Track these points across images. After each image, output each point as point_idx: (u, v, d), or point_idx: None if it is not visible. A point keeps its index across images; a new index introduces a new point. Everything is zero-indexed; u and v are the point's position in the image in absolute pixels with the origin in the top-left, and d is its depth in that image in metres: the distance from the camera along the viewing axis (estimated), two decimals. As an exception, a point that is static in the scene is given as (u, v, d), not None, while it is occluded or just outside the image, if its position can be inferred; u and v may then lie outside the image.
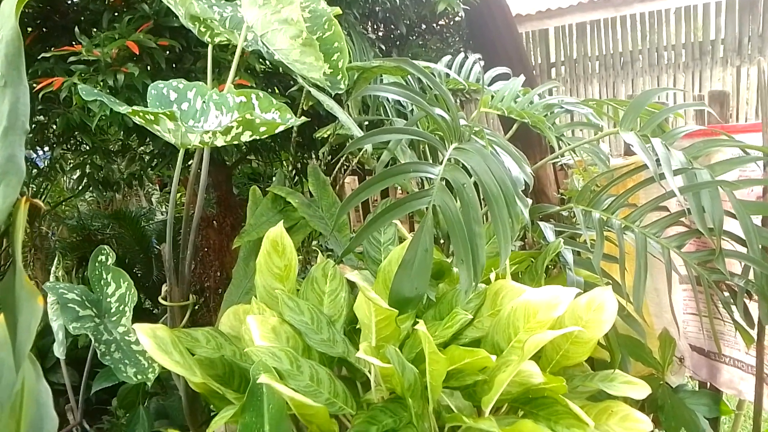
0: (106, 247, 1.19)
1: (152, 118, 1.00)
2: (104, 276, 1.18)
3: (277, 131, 1.04)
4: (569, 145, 1.83)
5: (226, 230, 2.55)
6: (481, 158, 1.22)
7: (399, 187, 2.71)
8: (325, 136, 1.62)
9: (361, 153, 1.83)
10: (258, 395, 0.89)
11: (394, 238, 1.48)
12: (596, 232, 1.49)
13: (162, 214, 3.39)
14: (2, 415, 0.47)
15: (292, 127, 1.82)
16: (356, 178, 3.53)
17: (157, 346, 0.96)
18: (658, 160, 1.44)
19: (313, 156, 2.44)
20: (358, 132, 1.20)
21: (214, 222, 2.62)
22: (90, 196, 3.30)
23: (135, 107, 1.00)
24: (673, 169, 1.43)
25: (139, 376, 1.06)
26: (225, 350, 1.11)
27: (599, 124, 1.80)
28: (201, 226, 2.54)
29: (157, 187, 3.82)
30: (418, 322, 1.00)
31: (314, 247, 2.05)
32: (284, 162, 2.73)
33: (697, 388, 1.89)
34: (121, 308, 1.13)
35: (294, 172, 2.31)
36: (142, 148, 2.50)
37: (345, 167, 2.09)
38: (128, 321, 1.11)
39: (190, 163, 1.42)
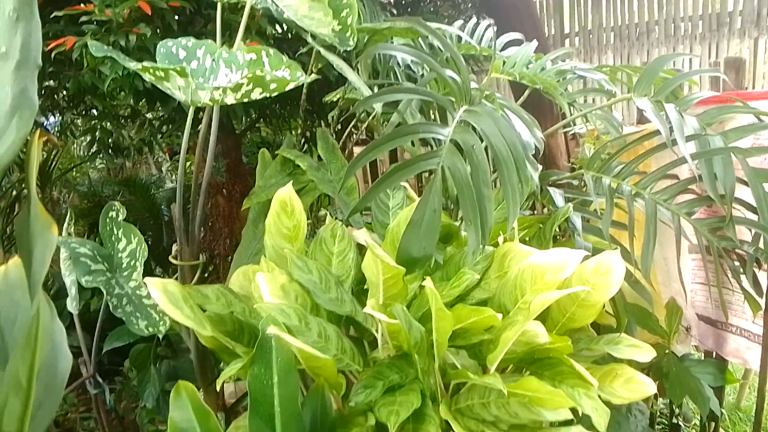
0: (116, 203, 1.20)
1: (162, 74, 1.00)
2: (115, 232, 1.19)
3: (287, 89, 1.04)
4: (581, 111, 1.81)
5: (235, 197, 2.56)
6: (492, 121, 1.21)
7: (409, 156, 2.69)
8: (335, 99, 1.62)
9: (370, 118, 1.82)
10: (267, 348, 0.91)
11: (402, 203, 1.48)
12: (606, 198, 1.49)
13: (172, 182, 3.41)
14: (18, 352, 0.48)
15: (302, 93, 1.82)
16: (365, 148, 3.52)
17: (168, 300, 0.97)
18: (671, 127, 1.43)
19: (322, 124, 2.43)
20: (367, 92, 1.19)
21: (224, 190, 2.63)
22: (100, 163, 3.32)
23: (145, 63, 0.99)
24: (685, 135, 1.42)
25: (151, 329, 1.08)
26: (235, 307, 1.12)
27: (612, 91, 1.77)
28: (210, 194, 2.55)
29: (167, 156, 3.84)
30: (426, 277, 1.01)
31: (323, 215, 2.06)
32: (293, 131, 2.73)
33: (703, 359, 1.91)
34: (132, 263, 1.15)
35: (303, 140, 2.31)
36: (151, 114, 2.50)
37: (353, 134, 2.08)
38: (139, 276, 1.12)
39: (199, 128, 1.42)
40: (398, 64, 1.79)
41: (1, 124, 0.43)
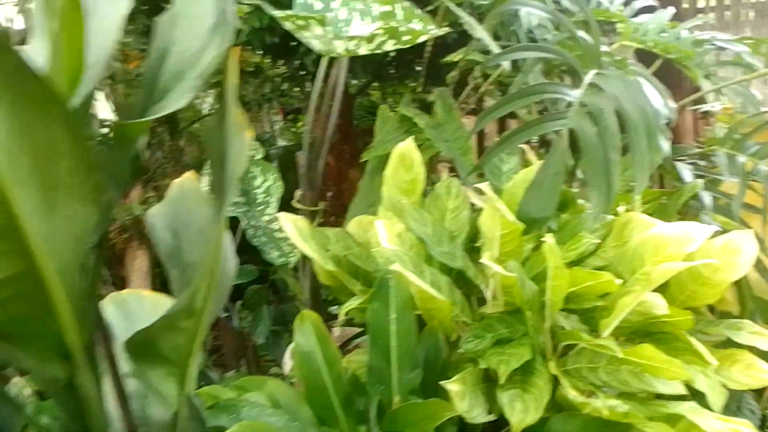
0: (255, 143, 1.29)
1: (303, 23, 1.05)
2: (252, 170, 1.29)
3: (419, 41, 1.06)
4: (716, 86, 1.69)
5: (344, 158, 2.64)
6: (623, 85, 1.17)
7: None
8: (455, 60, 1.62)
9: (486, 83, 1.80)
10: (385, 288, 0.95)
11: (516, 168, 1.47)
12: (739, 176, 1.40)
13: (284, 142, 3.56)
14: (210, 244, 0.53)
15: (422, 54, 1.83)
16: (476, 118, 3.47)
17: (298, 233, 1.05)
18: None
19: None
20: (496, 50, 1.19)
21: (335, 150, 2.71)
22: (221, 118, 3.53)
23: (288, 12, 1.05)
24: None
25: (282, 259, 1.16)
26: (353, 250, 1.18)
27: (755, 65, 1.64)
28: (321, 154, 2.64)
29: (280, 117, 4.00)
30: (541, 239, 1.01)
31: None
32: (407, 93, 2.75)
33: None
34: (266, 199, 1.24)
35: (418, 106, 2.33)
36: (270, 71, 2.62)
37: (465, 103, 2.07)
38: (273, 210, 1.21)
39: (319, 86, 1.47)
40: (520, 25, 1.75)
41: (205, 40, 0.49)
